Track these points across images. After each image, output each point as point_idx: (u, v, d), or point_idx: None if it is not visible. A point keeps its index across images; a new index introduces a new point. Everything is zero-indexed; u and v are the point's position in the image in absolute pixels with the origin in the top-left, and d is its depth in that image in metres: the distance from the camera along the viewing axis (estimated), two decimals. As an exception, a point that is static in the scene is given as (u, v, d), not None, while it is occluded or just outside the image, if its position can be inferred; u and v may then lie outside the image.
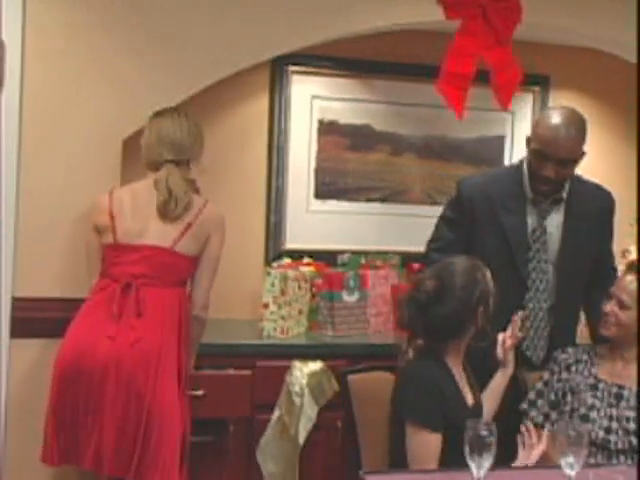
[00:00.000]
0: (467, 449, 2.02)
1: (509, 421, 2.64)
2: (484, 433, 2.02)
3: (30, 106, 2.94)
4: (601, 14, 3.47)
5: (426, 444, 2.36)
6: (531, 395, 2.78)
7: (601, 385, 2.66)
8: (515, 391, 2.83)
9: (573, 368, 2.74)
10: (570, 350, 2.80)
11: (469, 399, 2.54)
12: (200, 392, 3.02)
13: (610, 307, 2.69)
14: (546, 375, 2.78)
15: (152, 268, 2.74)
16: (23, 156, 2.94)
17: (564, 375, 2.73)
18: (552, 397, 2.72)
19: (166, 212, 2.77)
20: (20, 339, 2.93)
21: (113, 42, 3.02)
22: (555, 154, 2.84)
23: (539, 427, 2.65)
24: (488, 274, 2.54)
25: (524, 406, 2.77)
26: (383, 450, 2.56)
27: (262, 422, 3.17)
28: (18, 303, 2.93)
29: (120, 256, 2.75)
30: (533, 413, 2.73)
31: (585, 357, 2.74)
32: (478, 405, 2.56)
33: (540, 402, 2.75)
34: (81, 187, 2.99)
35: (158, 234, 2.77)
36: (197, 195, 2.88)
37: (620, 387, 2.64)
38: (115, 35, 3.02)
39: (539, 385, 2.77)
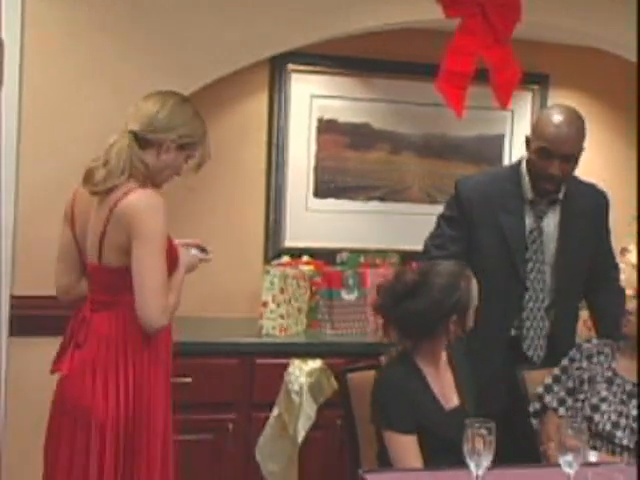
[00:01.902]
0: (465, 448, 2.03)
1: (509, 420, 2.64)
2: (483, 432, 2.02)
3: (29, 105, 2.93)
4: (601, 13, 3.47)
5: (402, 446, 2.37)
6: (548, 380, 2.78)
7: (617, 380, 2.69)
8: (515, 390, 2.83)
9: (594, 359, 2.75)
10: (594, 341, 2.83)
11: (451, 401, 2.52)
12: (188, 379, 3.06)
13: (632, 305, 2.72)
14: (565, 361, 2.79)
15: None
16: (22, 154, 2.94)
17: (584, 364, 2.75)
18: (570, 384, 2.74)
19: (86, 181, 2.33)
20: (19, 337, 2.93)
21: (113, 41, 3.02)
22: (560, 150, 2.84)
23: (553, 411, 2.68)
24: (474, 286, 2.52)
25: (540, 390, 2.77)
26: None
27: (261, 420, 3.17)
28: (17, 301, 2.93)
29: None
30: (548, 398, 2.75)
31: (607, 350, 2.77)
32: (464, 407, 2.52)
33: (556, 387, 2.76)
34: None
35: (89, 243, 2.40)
36: (142, 185, 2.32)
37: (635, 385, 2.66)
38: (115, 34, 3.02)
39: (556, 371, 2.79)
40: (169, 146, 2.37)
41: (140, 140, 2.34)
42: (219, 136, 3.69)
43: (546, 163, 2.87)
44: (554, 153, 2.85)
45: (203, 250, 2.62)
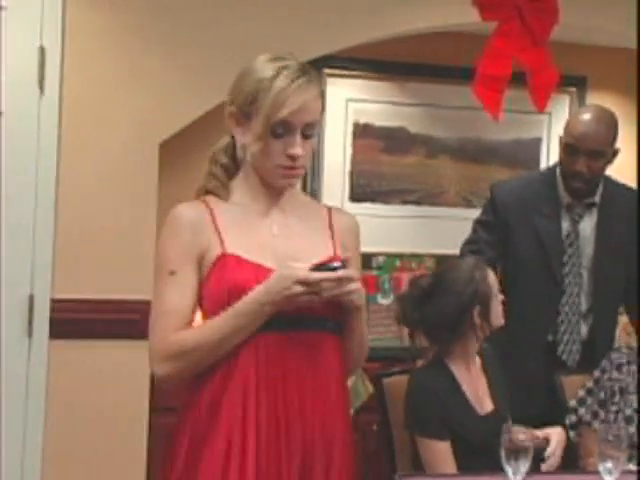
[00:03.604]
0: (503, 453, 2.01)
1: (546, 425, 2.62)
2: (521, 437, 2.01)
3: (69, 110, 2.97)
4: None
5: (435, 453, 2.36)
6: (581, 393, 2.75)
7: None
8: (551, 395, 2.81)
9: (625, 369, 2.71)
10: (625, 350, 2.78)
11: (485, 406, 2.49)
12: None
13: None
14: (597, 373, 2.75)
15: None
16: (62, 159, 2.97)
17: (615, 374, 2.71)
18: (602, 396, 2.70)
19: None
20: (59, 340, 2.97)
21: (150, 46, 3.05)
22: (585, 146, 2.83)
23: (587, 425, 2.64)
24: (491, 276, 2.49)
25: (573, 403, 2.74)
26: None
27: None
28: (57, 304, 2.97)
29: None
30: (582, 411, 2.71)
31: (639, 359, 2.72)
32: (498, 413, 2.48)
33: (590, 400, 2.73)
34: (118, 190, 3.02)
35: None
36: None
37: None
38: (152, 39, 3.05)
39: (589, 383, 2.75)
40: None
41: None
42: (255, 140, 3.71)
43: (572, 159, 2.86)
44: (580, 149, 2.84)
45: (334, 268, 1.75)
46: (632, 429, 2.55)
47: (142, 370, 2.97)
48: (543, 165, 4.06)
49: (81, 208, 2.99)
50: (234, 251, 1.79)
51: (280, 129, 1.80)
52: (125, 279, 2.99)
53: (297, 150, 1.81)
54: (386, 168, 3.95)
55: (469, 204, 3.97)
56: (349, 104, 3.89)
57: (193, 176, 3.66)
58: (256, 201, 1.88)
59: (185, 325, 1.80)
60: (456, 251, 3.10)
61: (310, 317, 1.80)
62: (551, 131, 4.10)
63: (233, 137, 1.91)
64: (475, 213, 3.15)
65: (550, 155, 4.07)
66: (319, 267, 1.74)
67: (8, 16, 2.85)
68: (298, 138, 1.82)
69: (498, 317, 2.49)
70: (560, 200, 2.96)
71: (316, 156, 3.84)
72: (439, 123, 3.99)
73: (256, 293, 1.75)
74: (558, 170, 2.98)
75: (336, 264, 1.75)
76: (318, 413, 1.82)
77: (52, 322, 2.95)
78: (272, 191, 1.88)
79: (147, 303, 3.02)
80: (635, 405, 2.62)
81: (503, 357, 2.62)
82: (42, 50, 2.89)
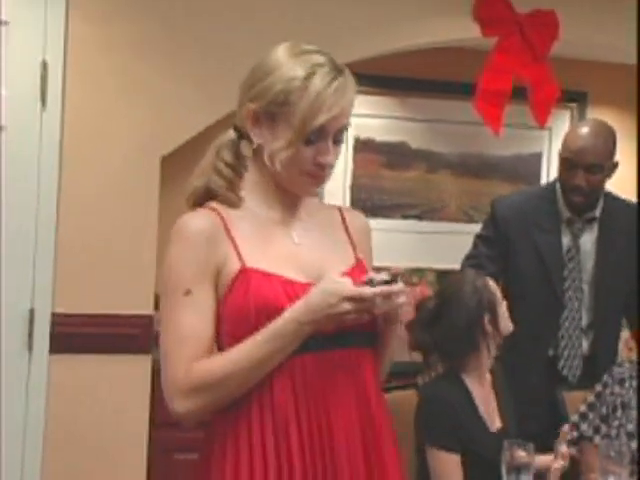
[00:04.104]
0: (504, 469, 2.01)
1: (547, 441, 2.61)
2: (521, 454, 2.00)
3: (71, 124, 2.98)
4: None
5: (444, 464, 2.35)
6: (582, 408, 2.73)
7: None
8: (553, 411, 2.80)
9: (627, 383, 2.69)
10: (627, 365, 2.76)
11: (495, 423, 2.49)
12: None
13: None
14: (599, 388, 2.74)
15: None
16: (64, 173, 2.98)
17: (616, 389, 2.70)
18: (603, 410, 2.69)
19: None
20: (59, 354, 2.96)
21: (152, 60, 3.06)
22: (583, 160, 2.83)
23: (589, 440, 2.63)
24: (492, 284, 2.50)
25: (575, 418, 2.73)
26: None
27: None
28: (57, 319, 2.96)
29: None
30: (584, 427, 2.70)
31: None
32: (506, 431, 2.47)
33: (591, 415, 2.71)
34: (120, 204, 3.02)
35: None
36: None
37: None
38: (153, 53, 3.06)
39: (591, 398, 2.74)
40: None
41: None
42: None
43: (571, 173, 2.86)
44: (578, 163, 2.84)
45: (387, 281, 1.57)
46: (634, 445, 2.54)
47: (142, 385, 2.98)
48: (544, 180, 4.07)
49: (82, 222, 2.99)
50: (255, 265, 1.57)
51: (313, 135, 1.61)
52: (126, 294, 2.99)
53: (330, 159, 1.64)
54: (387, 183, 3.96)
55: (470, 219, 3.97)
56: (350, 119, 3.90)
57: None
58: (271, 207, 1.67)
59: (206, 352, 1.56)
60: (457, 266, 3.09)
61: (349, 333, 1.60)
62: (552, 146, 4.11)
63: (238, 132, 1.71)
64: (476, 228, 3.15)
65: (551, 170, 4.07)
66: (368, 282, 1.55)
67: (11, 30, 2.87)
68: (330, 144, 1.65)
69: (507, 323, 2.50)
70: (560, 215, 2.96)
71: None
72: (440, 138, 4.00)
73: (295, 312, 1.53)
74: (558, 185, 2.98)
75: (386, 276, 1.57)
76: (368, 440, 1.63)
77: (52, 336, 2.95)
78: (289, 196, 1.68)
79: (148, 318, 3.05)
80: (637, 420, 2.61)
81: (506, 372, 2.62)
82: (44, 64, 2.90)
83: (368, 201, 3.94)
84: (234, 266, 1.57)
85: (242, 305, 1.55)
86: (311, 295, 1.53)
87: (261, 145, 1.64)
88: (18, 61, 2.87)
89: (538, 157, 4.12)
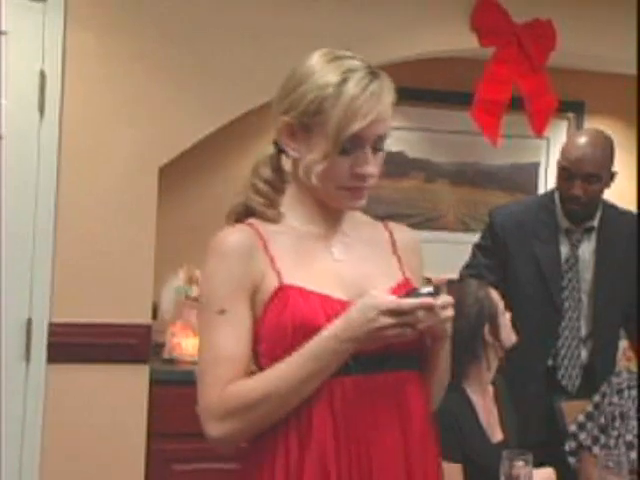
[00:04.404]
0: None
1: (546, 451, 2.61)
2: (520, 463, 2.00)
3: (69, 134, 2.98)
4: (635, 40, 3.46)
5: (447, 475, 2.34)
6: (581, 418, 2.73)
7: None
8: (551, 421, 2.80)
9: (625, 393, 2.69)
10: (625, 375, 2.76)
11: (496, 435, 2.48)
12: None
13: None
14: (597, 398, 2.74)
15: None
16: (62, 183, 2.98)
17: (615, 399, 2.70)
18: (602, 420, 2.68)
19: None
20: (56, 364, 2.96)
21: (150, 70, 3.07)
22: (580, 170, 2.84)
23: (588, 450, 2.62)
24: (495, 294, 2.51)
25: (573, 428, 2.72)
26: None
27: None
28: (55, 328, 2.96)
29: None
30: (582, 436, 2.70)
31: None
32: (507, 444, 2.46)
33: (590, 425, 2.71)
34: (118, 214, 3.02)
35: None
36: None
37: None
38: (151, 63, 3.07)
39: (589, 408, 2.73)
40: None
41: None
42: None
43: (569, 183, 2.87)
44: (576, 172, 2.85)
45: (432, 293, 1.47)
46: (633, 455, 2.53)
47: (140, 395, 2.97)
48: (541, 190, 4.07)
49: (80, 232, 2.99)
50: (293, 282, 1.50)
51: (349, 144, 1.51)
52: (123, 303, 2.99)
53: (369, 169, 1.55)
54: (384, 192, 3.96)
55: (467, 228, 3.97)
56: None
57: (193, 200, 3.69)
58: (312, 222, 1.60)
59: (242, 373, 1.49)
60: (454, 275, 3.10)
61: (394, 355, 1.52)
62: (549, 156, 4.11)
63: (277, 146, 1.63)
64: (474, 237, 3.15)
65: (548, 180, 4.07)
66: (409, 295, 1.46)
67: (9, 41, 2.87)
68: (369, 154, 1.54)
69: (509, 334, 2.50)
70: (559, 225, 2.97)
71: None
72: (437, 148, 4.00)
73: (334, 328, 1.45)
74: (556, 195, 2.99)
75: (429, 289, 1.46)
76: (413, 475, 1.54)
77: (50, 346, 2.94)
78: (331, 210, 1.62)
79: (146, 327, 3.04)
80: (636, 431, 2.60)
81: (507, 383, 2.61)
82: (42, 74, 2.91)
83: (365, 211, 3.93)
84: (272, 283, 1.51)
85: (279, 324, 1.48)
86: (350, 310, 1.45)
87: (297, 159, 1.57)
88: (16, 71, 2.88)
89: (536, 167, 4.13)
